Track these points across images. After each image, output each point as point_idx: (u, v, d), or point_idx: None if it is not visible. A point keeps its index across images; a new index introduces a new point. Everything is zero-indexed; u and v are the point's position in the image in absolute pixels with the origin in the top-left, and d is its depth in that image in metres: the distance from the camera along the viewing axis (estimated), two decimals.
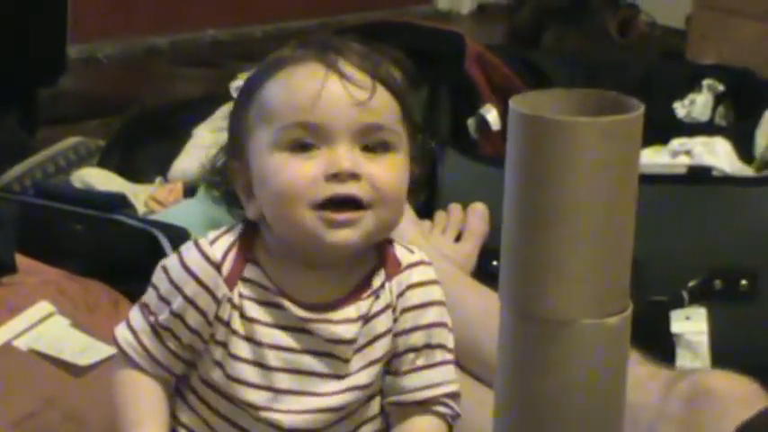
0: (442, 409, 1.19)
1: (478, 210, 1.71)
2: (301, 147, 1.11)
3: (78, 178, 1.98)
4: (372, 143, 1.13)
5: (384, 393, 1.19)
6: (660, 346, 1.52)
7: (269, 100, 1.13)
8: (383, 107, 1.13)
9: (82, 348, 1.41)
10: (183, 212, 1.75)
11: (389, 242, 1.18)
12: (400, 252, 1.18)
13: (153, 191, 1.92)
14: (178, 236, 1.60)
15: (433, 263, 1.20)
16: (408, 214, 1.57)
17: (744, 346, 1.46)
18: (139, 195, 1.89)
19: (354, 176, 1.11)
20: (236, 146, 1.16)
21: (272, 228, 1.14)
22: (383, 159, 1.13)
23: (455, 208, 1.73)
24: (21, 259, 1.57)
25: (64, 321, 1.45)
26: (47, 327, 1.44)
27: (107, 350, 1.39)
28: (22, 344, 1.41)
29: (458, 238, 1.71)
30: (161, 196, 1.88)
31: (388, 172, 1.12)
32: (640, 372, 1.37)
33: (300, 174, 1.11)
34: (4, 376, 1.37)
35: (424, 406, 1.19)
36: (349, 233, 1.12)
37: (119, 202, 1.78)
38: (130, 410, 1.16)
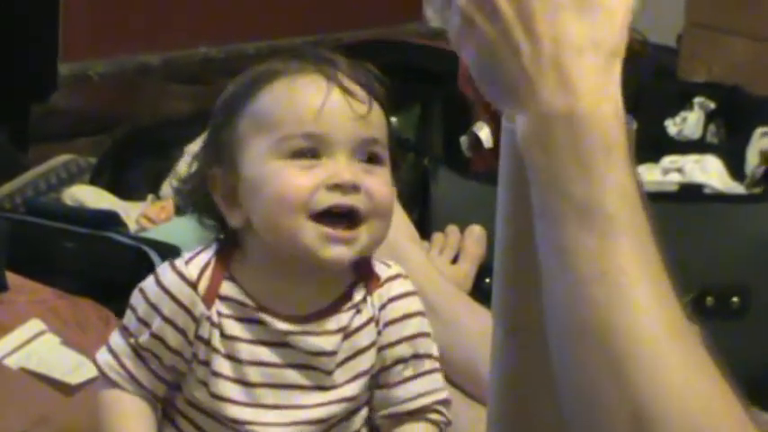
0: (434, 416, 1.19)
1: (476, 232, 1.71)
2: (303, 156, 1.12)
3: (69, 196, 1.98)
4: (368, 156, 1.14)
5: (377, 408, 1.19)
6: None
7: (267, 110, 1.14)
8: (378, 122, 1.15)
9: (73, 367, 1.41)
10: (174, 230, 1.74)
11: (367, 256, 1.18)
12: (378, 266, 1.19)
13: (145, 208, 1.92)
14: (170, 253, 1.59)
15: (409, 276, 1.21)
16: (410, 232, 1.57)
17: (736, 363, 1.46)
18: (131, 213, 1.89)
19: (355, 188, 1.11)
20: (219, 153, 1.16)
21: (258, 237, 1.15)
22: (377, 172, 1.14)
23: (452, 230, 1.73)
24: (11, 277, 1.56)
25: (55, 339, 1.45)
26: (38, 345, 1.44)
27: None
28: (12, 362, 1.41)
29: (454, 260, 1.71)
30: (153, 214, 1.88)
31: (383, 185, 1.14)
32: None
33: (302, 182, 1.11)
34: None
35: (416, 415, 1.18)
36: (345, 250, 1.12)
37: (110, 220, 1.78)
38: (114, 428, 1.16)
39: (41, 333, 1.45)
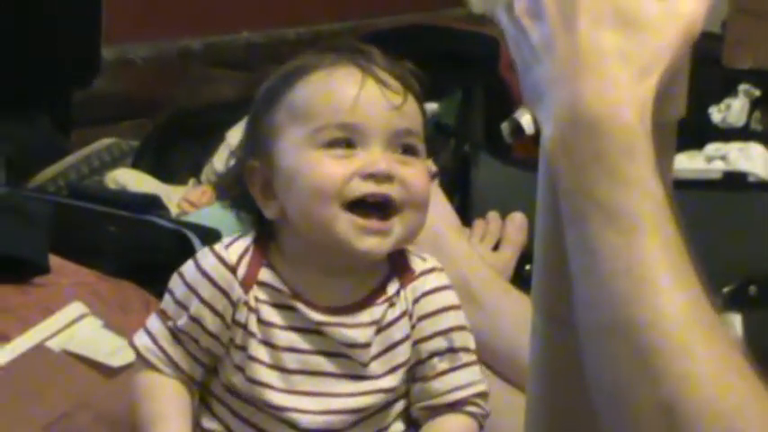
0: (472, 408, 1.19)
1: (517, 219, 1.71)
2: (338, 146, 1.13)
3: (112, 179, 1.99)
4: (403, 147, 1.14)
5: (415, 400, 1.20)
6: None
7: (304, 100, 1.15)
8: (413, 113, 1.16)
9: (114, 350, 1.41)
10: (215, 214, 1.75)
11: (402, 249, 1.18)
12: (413, 259, 1.19)
13: (186, 192, 1.93)
14: (210, 237, 1.60)
15: (444, 269, 1.21)
16: (451, 220, 1.57)
17: None
18: (172, 197, 1.90)
19: (389, 178, 1.12)
20: (256, 146, 1.17)
21: (293, 229, 1.15)
22: (412, 163, 1.14)
23: (493, 217, 1.72)
24: (54, 260, 1.57)
25: (97, 322, 1.46)
26: (80, 328, 1.44)
27: None
28: (54, 345, 1.42)
29: (495, 247, 1.71)
30: (194, 198, 1.88)
31: (419, 175, 1.14)
32: None
33: (337, 171, 1.12)
34: (38, 377, 1.37)
35: (454, 407, 1.19)
36: (379, 241, 1.13)
37: (152, 204, 1.79)
38: (152, 410, 1.17)
39: (83, 316, 1.46)
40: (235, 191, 1.19)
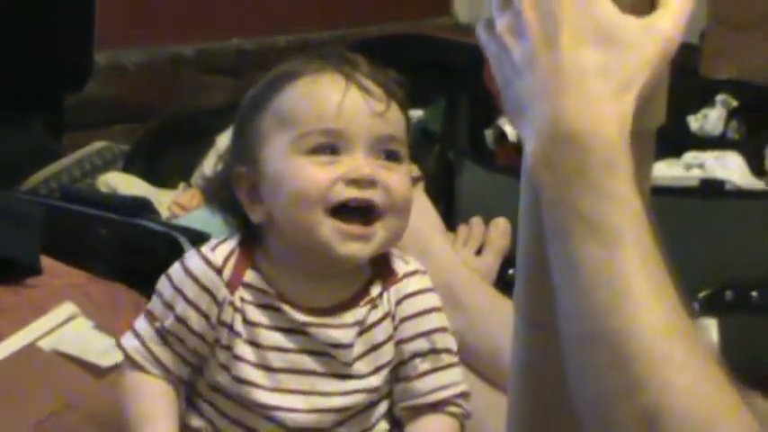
0: (453, 409, 1.19)
1: (501, 224, 1.71)
2: (322, 152, 1.13)
3: (103, 182, 1.99)
4: (386, 153, 1.14)
5: (398, 400, 1.20)
6: None
7: (289, 107, 1.15)
8: (396, 120, 1.16)
9: (104, 350, 1.41)
10: (205, 217, 1.75)
11: (386, 252, 1.18)
12: (396, 262, 1.19)
13: (176, 196, 1.92)
14: (200, 240, 1.59)
15: (435, 267, 1.21)
16: (436, 224, 1.57)
17: (753, 357, 1.45)
18: (163, 200, 1.90)
19: (372, 183, 1.12)
20: (243, 151, 1.17)
21: (278, 232, 1.15)
22: (395, 169, 1.14)
23: (477, 222, 1.73)
24: (46, 261, 1.57)
25: (87, 323, 1.46)
26: (70, 328, 1.44)
27: None
28: (45, 344, 1.41)
29: (479, 251, 1.71)
30: (184, 201, 1.88)
31: (401, 181, 1.14)
32: None
33: (320, 176, 1.12)
34: (28, 377, 1.37)
35: (436, 408, 1.19)
36: (361, 247, 1.13)
37: (143, 207, 1.79)
38: (140, 410, 1.17)
39: (74, 316, 1.46)
40: (222, 195, 1.20)
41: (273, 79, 1.17)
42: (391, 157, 1.15)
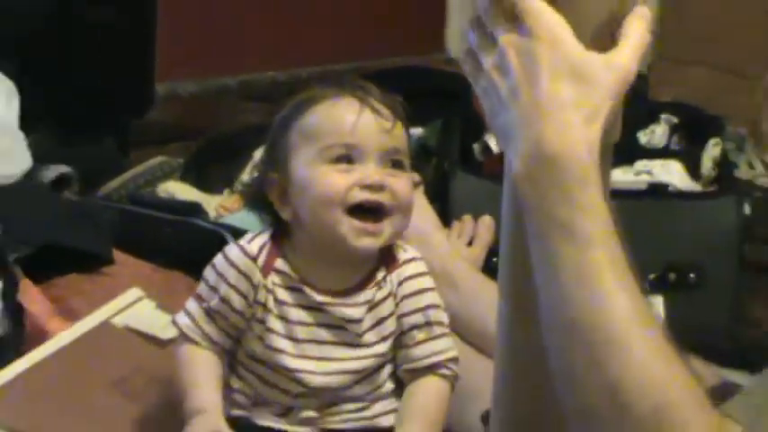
0: (445, 371, 1.19)
1: (486, 221, 1.70)
2: (340, 161, 1.13)
3: (163, 189, 1.98)
4: (392, 162, 1.14)
5: (399, 363, 1.20)
6: None
7: (313, 124, 1.15)
8: (400, 136, 1.16)
9: (164, 325, 1.41)
10: (244, 217, 1.75)
11: (390, 244, 1.18)
12: (397, 251, 1.19)
13: (221, 200, 1.92)
14: (240, 235, 1.59)
15: (423, 258, 1.21)
16: (434, 221, 1.57)
17: (693, 328, 1.45)
18: (211, 203, 1.89)
19: (381, 188, 1.12)
20: (275, 160, 1.17)
21: (304, 228, 1.15)
22: (400, 175, 1.14)
23: (467, 219, 1.72)
24: (117, 254, 1.57)
25: (151, 304, 1.45)
26: (137, 308, 1.44)
27: None
28: (117, 321, 1.41)
29: (469, 243, 1.70)
30: (228, 204, 1.88)
31: (404, 185, 1.15)
32: None
33: (339, 182, 1.12)
34: (104, 348, 1.37)
35: (431, 369, 1.19)
36: (372, 241, 1.13)
37: (195, 209, 1.78)
38: (191, 375, 1.17)
39: (140, 298, 1.45)
40: (258, 197, 1.20)
41: (300, 102, 1.18)
42: (396, 165, 1.15)
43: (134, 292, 1.46)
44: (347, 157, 1.13)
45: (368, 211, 1.13)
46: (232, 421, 1.16)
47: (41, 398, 1.27)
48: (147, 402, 1.30)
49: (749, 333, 1.80)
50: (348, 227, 1.12)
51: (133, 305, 1.44)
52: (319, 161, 1.13)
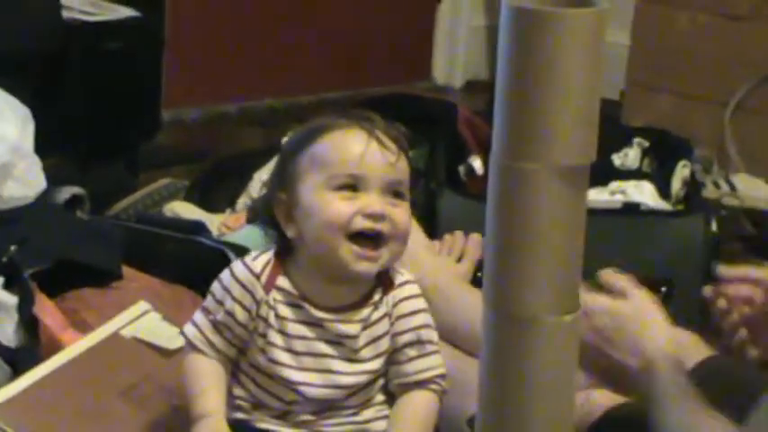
0: (434, 386, 1.19)
1: (476, 238, 1.70)
2: (345, 189, 1.13)
3: (169, 209, 1.98)
4: (393, 193, 1.14)
5: (391, 378, 1.20)
6: None
7: (323, 153, 1.15)
8: (403, 168, 1.16)
9: (171, 337, 1.41)
10: (246, 235, 1.75)
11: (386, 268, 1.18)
12: (394, 274, 1.19)
13: (224, 219, 1.92)
14: (243, 253, 1.58)
15: (418, 274, 1.21)
16: (424, 241, 1.57)
17: None
18: (214, 222, 1.89)
19: (382, 217, 1.12)
20: (284, 181, 1.17)
21: (307, 248, 1.15)
22: (400, 205, 1.14)
23: (459, 235, 1.72)
24: (126, 270, 1.57)
25: (157, 316, 1.45)
26: (145, 320, 1.44)
27: None
28: (126, 333, 1.41)
29: (459, 259, 1.70)
30: (230, 223, 1.88)
31: (403, 214, 1.15)
32: None
33: (343, 209, 1.12)
34: (114, 357, 1.36)
35: (421, 385, 1.19)
36: (370, 266, 1.14)
37: (199, 228, 1.78)
38: (197, 383, 1.17)
39: (147, 311, 1.45)
40: (265, 213, 1.20)
41: (312, 129, 1.17)
42: (397, 195, 1.15)
43: (142, 306, 1.46)
44: (352, 186, 1.13)
45: (368, 238, 1.13)
46: (234, 425, 1.16)
47: (57, 405, 1.27)
48: (156, 409, 1.30)
49: (716, 343, 1.80)
50: (348, 252, 1.12)
51: (141, 318, 1.44)
52: (326, 188, 1.13)
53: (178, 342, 1.39)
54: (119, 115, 2.24)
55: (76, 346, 1.36)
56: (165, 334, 1.41)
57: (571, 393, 0.89)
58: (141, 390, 1.32)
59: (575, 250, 0.87)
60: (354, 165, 1.13)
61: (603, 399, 1.26)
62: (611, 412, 1.19)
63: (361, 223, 1.12)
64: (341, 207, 1.12)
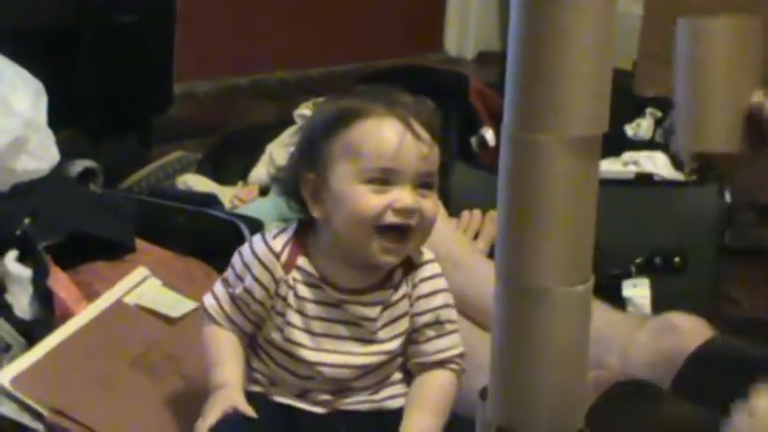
0: (453, 366, 1.19)
1: (493, 216, 1.70)
2: (376, 182, 1.11)
3: (181, 182, 1.98)
4: (423, 184, 1.13)
5: (410, 357, 1.19)
6: (614, 306, 1.51)
7: (357, 142, 1.12)
8: (435, 158, 1.14)
9: (173, 303, 1.41)
10: (258, 208, 1.75)
11: None
12: (414, 254, 1.18)
13: (236, 191, 1.92)
14: (255, 226, 1.59)
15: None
16: (441, 212, 1.56)
17: (678, 308, 1.45)
18: (226, 195, 1.89)
19: (413, 212, 1.11)
20: (313, 162, 1.15)
21: (331, 231, 1.14)
22: (429, 195, 1.13)
23: (477, 214, 1.71)
24: (139, 242, 1.57)
25: (157, 282, 1.45)
26: (146, 287, 1.44)
27: (192, 305, 1.39)
28: (129, 300, 1.41)
29: (475, 237, 1.70)
30: (242, 195, 1.88)
31: (432, 206, 1.14)
32: (614, 315, 1.36)
33: (374, 202, 1.11)
34: (120, 325, 1.37)
35: (440, 364, 1.18)
36: (394, 258, 1.13)
37: (211, 200, 1.78)
38: (215, 354, 1.17)
39: (147, 277, 1.45)
40: (291, 190, 1.18)
41: (345, 112, 1.14)
42: (427, 186, 1.14)
43: (141, 272, 1.45)
44: (384, 179, 1.12)
45: (396, 230, 1.12)
46: (252, 397, 1.17)
47: (69, 376, 1.27)
48: (166, 378, 1.30)
49: (729, 312, 1.80)
50: (376, 244, 1.12)
51: (141, 284, 1.44)
52: (357, 179, 1.12)
53: (181, 309, 1.40)
54: (131, 89, 2.24)
55: (82, 316, 1.35)
56: (167, 300, 1.41)
57: (584, 364, 0.89)
58: (150, 358, 1.33)
59: (587, 221, 0.86)
60: (388, 158, 1.11)
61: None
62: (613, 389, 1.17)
63: (392, 218, 1.11)
64: (372, 201, 1.11)
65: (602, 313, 1.29)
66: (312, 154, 1.16)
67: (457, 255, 1.44)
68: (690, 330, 1.26)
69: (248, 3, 2.90)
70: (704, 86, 1.11)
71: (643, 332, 1.29)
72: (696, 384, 1.18)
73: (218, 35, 2.85)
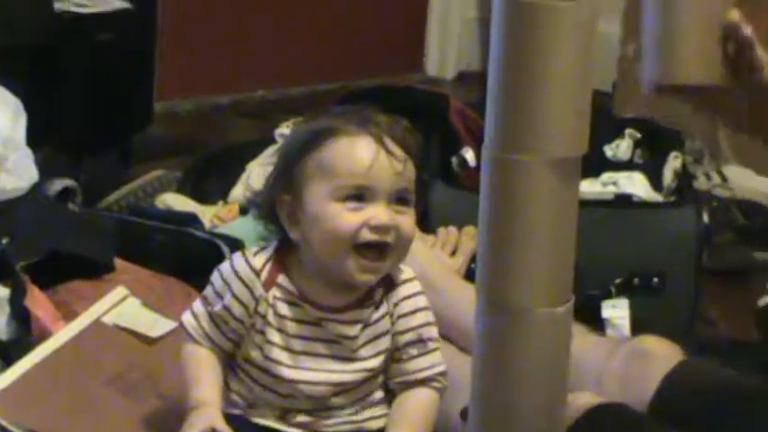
0: (435, 383, 1.19)
1: (470, 231, 1.70)
2: (351, 200, 1.11)
3: (161, 201, 1.97)
4: (399, 200, 1.13)
5: (392, 376, 1.19)
6: (593, 327, 1.51)
7: (330, 160, 1.12)
8: (410, 174, 1.15)
9: (152, 323, 1.41)
10: (238, 227, 1.74)
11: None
12: (394, 272, 1.18)
13: (216, 210, 1.91)
14: (235, 245, 1.59)
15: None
16: (418, 234, 1.56)
17: (656, 328, 1.46)
18: (206, 214, 1.89)
19: (389, 229, 1.11)
20: (288, 184, 1.15)
21: (308, 251, 1.14)
22: (405, 212, 1.13)
23: (453, 230, 1.71)
24: (118, 262, 1.56)
25: (136, 301, 1.44)
26: (124, 306, 1.43)
27: (171, 324, 1.38)
28: (107, 320, 1.40)
29: (453, 254, 1.70)
30: (222, 214, 1.87)
31: (409, 223, 1.14)
32: (590, 339, 1.36)
33: (350, 222, 1.11)
34: (98, 345, 1.36)
35: (422, 382, 1.18)
36: (372, 277, 1.14)
37: (191, 219, 1.78)
38: (193, 373, 1.17)
39: (126, 297, 1.44)
40: (268, 212, 1.18)
41: (318, 132, 1.14)
42: (403, 202, 1.14)
43: (120, 291, 1.45)
44: (359, 196, 1.12)
45: (373, 248, 1.12)
46: (231, 419, 1.16)
47: (47, 396, 1.26)
48: (144, 398, 1.29)
49: (706, 332, 1.81)
50: (353, 263, 1.12)
51: (120, 303, 1.43)
52: (332, 198, 1.12)
53: (160, 329, 1.39)
54: (111, 107, 2.23)
55: (61, 335, 1.34)
56: (145, 320, 1.41)
57: (563, 384, 0.89)
58: (128, 378, 1.32)
59: (567, 242, 0.86)
60: (362, 176, 1.11)
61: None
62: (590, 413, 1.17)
63: (368, 236, 1.11)
64: (347, 219, 1.11)
65: (579, 336, 1.29)
66: (287, 175, 1.16)
67: (434, 276, 1.44)
68: (662, 356, 1.27)
69: (230, 22, 2.90)
70: (675, 3, 0.97)
71: (616, 360, 1.29)
72: (669, 408, 1.18)
73: (199, 54, 2.85)
